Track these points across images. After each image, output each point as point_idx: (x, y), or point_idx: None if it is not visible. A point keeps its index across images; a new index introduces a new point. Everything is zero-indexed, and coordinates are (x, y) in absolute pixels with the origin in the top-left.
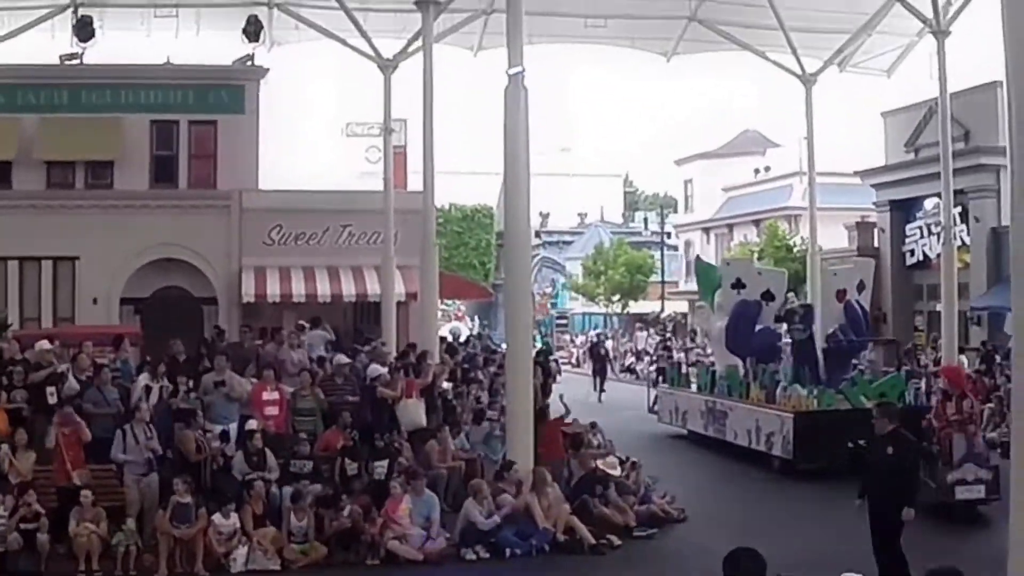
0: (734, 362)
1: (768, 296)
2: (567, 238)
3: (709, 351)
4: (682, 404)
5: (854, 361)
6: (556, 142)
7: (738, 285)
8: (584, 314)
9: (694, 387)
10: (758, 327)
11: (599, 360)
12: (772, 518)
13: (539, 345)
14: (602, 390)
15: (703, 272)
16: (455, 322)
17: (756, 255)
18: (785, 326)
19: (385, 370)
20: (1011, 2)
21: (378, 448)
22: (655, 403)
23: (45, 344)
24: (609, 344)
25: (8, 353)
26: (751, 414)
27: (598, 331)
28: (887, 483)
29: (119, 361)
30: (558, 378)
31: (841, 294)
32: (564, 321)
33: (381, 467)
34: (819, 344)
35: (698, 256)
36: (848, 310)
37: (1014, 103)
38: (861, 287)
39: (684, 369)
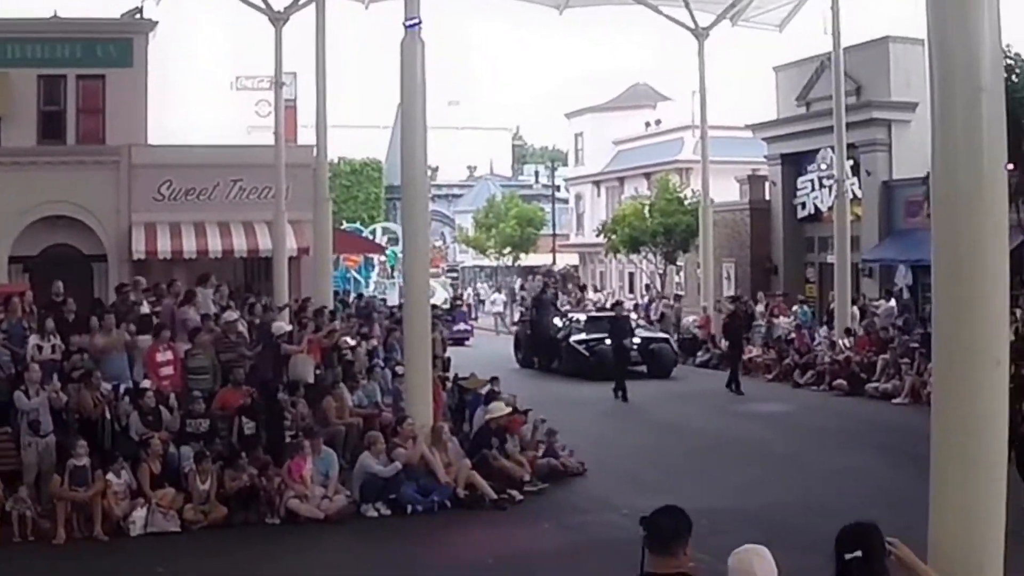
0: None
1: None
2: (456, 191)
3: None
4: None
5: None
6: (445, 95)
7: None
8: (475, 267)
9: None
10: None
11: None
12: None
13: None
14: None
15: None
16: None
17: (647, 208)
18: None
19: (289, 327)
20: None
21: (276, 405)
22: None
23: None
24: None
25: None
26: None
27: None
28: None
29: (7, 322)
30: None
31: None
32: (455, 274)
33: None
34: None
35: None
36: None
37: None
38: None
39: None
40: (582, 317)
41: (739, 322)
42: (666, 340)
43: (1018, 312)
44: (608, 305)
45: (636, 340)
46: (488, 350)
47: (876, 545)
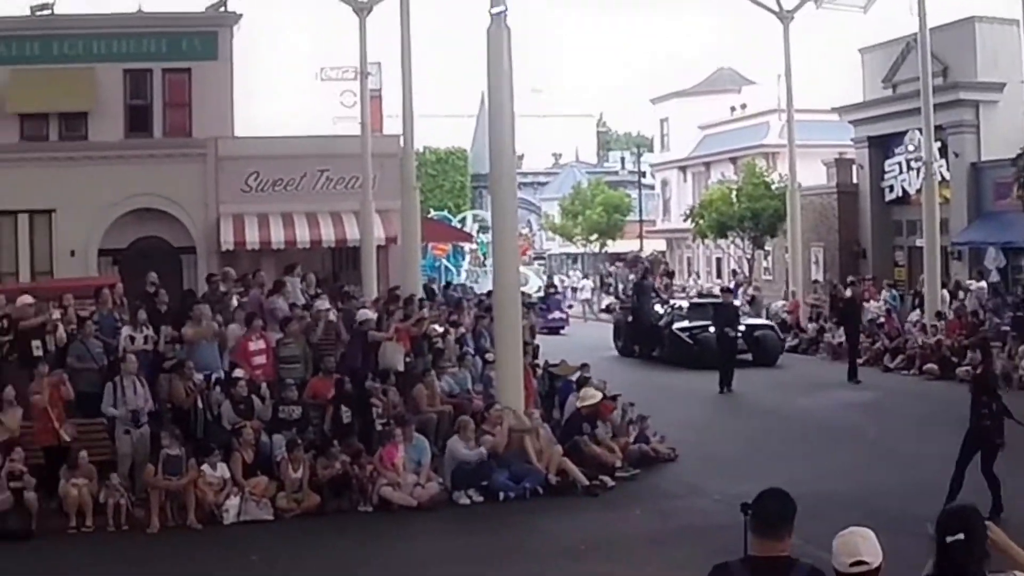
0: None
1: None
2: (542, 179)
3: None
4: None
5: None
6: (528, 82)
7: None
8: (562, 254)
9: None
10: None
11: None
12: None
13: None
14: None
15: None
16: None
17: (734, 193)
18: None
19: (374, 314)
20: None
21: (365, 393)
22: None
23: (27, 299)
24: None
25: None
26: None
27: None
28: None
29: (98, 314)
30: None
31: None
32: (542, 261)
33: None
34: None
35: None
36: None
37: None
38: None
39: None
40: (685, 304)
41: (857, 307)
42: (771, 327)
43: None
44: (707, 292)
45: (741, 328)
46: (582, 337)
47: (978, 528)
